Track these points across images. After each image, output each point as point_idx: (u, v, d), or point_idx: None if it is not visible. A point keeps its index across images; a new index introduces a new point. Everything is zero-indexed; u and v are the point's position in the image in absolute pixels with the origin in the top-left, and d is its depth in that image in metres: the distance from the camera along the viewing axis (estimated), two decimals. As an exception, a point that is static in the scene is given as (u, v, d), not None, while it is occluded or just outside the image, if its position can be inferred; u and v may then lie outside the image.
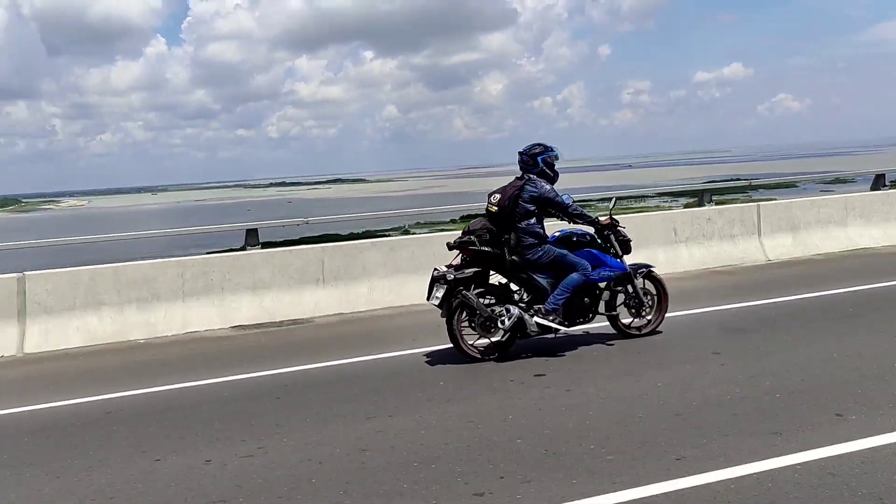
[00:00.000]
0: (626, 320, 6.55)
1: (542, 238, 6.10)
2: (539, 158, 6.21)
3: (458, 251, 6.11)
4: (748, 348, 5.91)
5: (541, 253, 6.06)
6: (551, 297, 6.04)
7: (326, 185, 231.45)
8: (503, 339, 6.10)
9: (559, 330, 6.10)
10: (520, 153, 6.28)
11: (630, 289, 6.47)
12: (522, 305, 6.08)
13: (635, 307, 6.50)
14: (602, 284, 6.40)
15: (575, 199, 6.65)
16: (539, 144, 6.29)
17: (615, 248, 6.41)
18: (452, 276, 5.93)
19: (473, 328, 6.03)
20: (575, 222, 6.33)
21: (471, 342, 6.09)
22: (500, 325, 5.96)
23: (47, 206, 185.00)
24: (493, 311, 6.01)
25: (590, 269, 6.13)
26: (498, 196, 6.11)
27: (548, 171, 6.23)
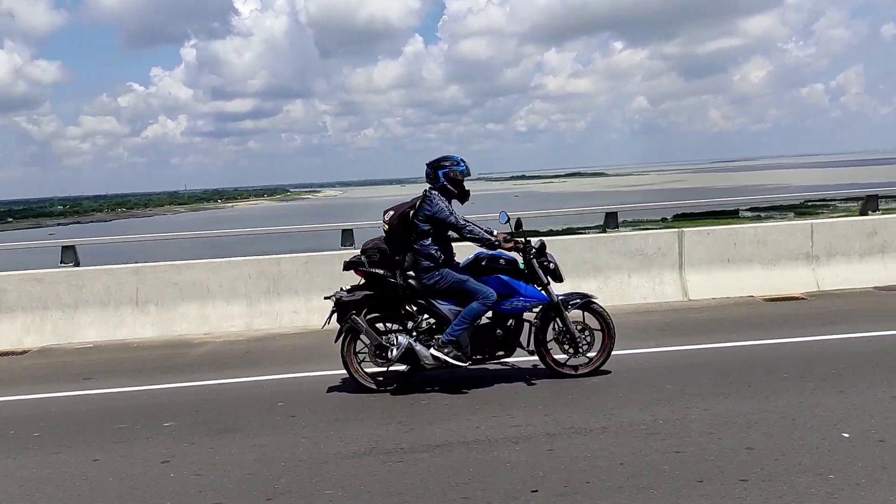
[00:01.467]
0: (560, 357, 5.75)
1: (438, 261, 5.52)
2: (440, 172, 5.62)
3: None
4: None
5: (437, 277, 5.50)
6: (450, 327, 5.47)
7: (562, 179, 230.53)
8: (405, 370, 5.65)
9: (457, 365, 5.49)
10: (426, 164, 5.75)
11: (560, 322, 5.68)
12: (416, 335, 5.58)
13: (567, 343, 5.69)
14: (532, 316, 5.70)
15: (512, 216, 5.99)
16: (447, 158, 5.70)
17: (539, 276, 5.64)
18: (338, 298, 5.59)
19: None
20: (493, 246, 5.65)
21: (369, 371, 5.71)
22: (389, 355, 5.52)
23: (307, 196, 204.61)
24: (387, 339, 5.58)
25: (492, 298, 5.45)
26: (391, 213, 5.64)
27: (450, 187, 5.62)
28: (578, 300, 5.73)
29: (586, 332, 5.70)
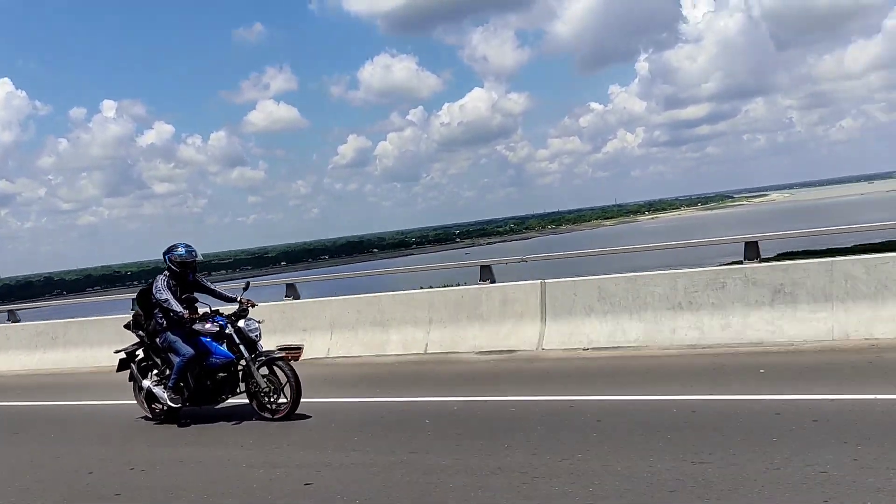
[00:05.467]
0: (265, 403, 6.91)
1: (162, 326, 7.14)
2: (166, 257, 7.16)
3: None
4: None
5: (162, 339, 7.16)
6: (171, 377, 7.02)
7: None
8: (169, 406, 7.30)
9: (174, 407, 7.14)
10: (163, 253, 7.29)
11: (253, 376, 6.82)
12: (160, 379, 7.29)
13: (261, 393, 6.83)
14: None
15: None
16: (174, 245, 7.20)
17: (233, 339, 6.89)
18: (121, 350, 7.53)
19: (156, 392, 7.48)
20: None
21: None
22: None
23: (742, 203, 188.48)
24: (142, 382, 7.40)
25: (186, 356, 6.99)
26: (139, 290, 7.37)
27: (173, 267, 7.14)
28: (264, 358, 6.82)
29: (269, 384, 6.73)
